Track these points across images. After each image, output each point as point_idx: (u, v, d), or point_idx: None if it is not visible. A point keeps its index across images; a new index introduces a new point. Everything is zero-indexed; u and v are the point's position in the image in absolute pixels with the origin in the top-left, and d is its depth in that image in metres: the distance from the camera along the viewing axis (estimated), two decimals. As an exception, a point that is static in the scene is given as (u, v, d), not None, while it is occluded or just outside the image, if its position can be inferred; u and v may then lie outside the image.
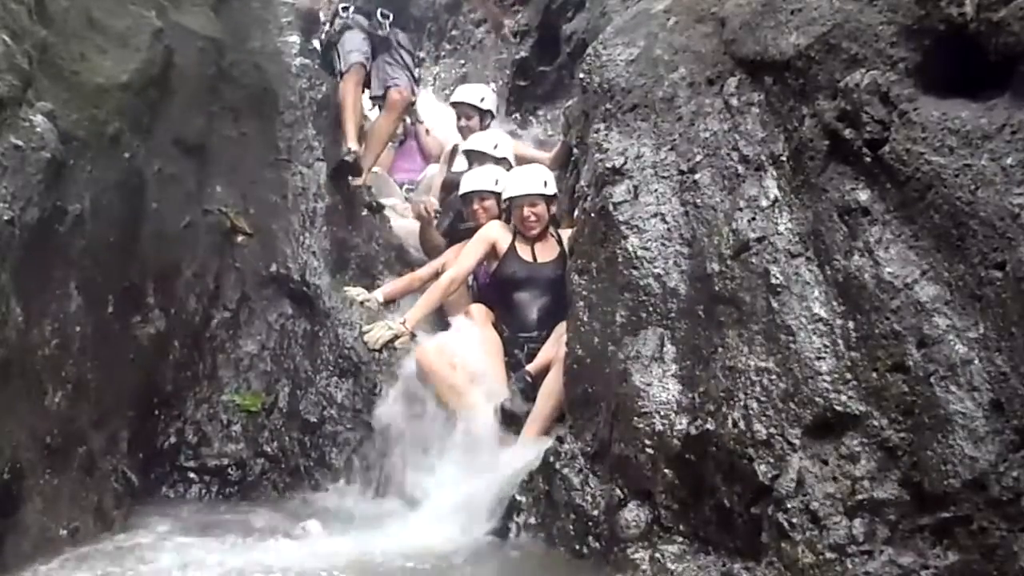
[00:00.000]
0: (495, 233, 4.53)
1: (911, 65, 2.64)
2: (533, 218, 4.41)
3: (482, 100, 5.75)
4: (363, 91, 5.62)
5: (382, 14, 5.57)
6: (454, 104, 5.88)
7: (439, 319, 4.81)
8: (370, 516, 3.82)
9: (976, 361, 2.23)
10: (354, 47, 5.55)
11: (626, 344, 3.21)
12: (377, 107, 5.85)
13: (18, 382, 2.97)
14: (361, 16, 5.59)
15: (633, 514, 2.96)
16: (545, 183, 4.44)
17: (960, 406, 2.22)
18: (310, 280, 4.71)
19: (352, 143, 5.22)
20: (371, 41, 5.55)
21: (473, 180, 4.79)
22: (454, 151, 5.78)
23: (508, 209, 4.55)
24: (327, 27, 5.80)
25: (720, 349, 2.88)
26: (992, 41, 2.37)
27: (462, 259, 4.54)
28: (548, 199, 4.44)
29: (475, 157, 5.09)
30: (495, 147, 5.11)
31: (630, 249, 3.33)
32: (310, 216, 4.90)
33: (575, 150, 4.42)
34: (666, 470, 2.90)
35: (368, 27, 5.54)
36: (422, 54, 7.77)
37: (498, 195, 4.64)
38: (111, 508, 3.48)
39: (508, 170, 4.86)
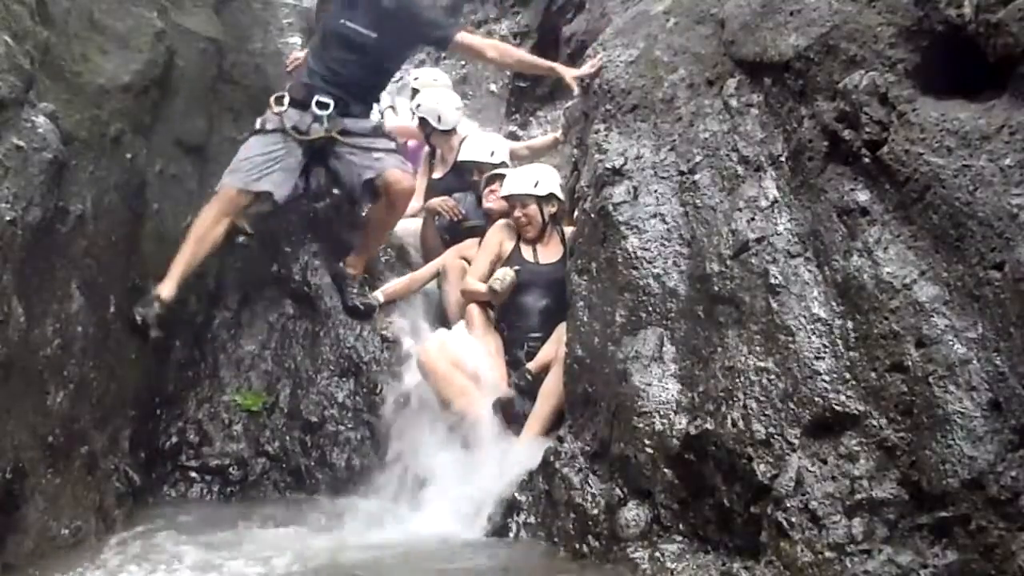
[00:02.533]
0: (501, 235, 4.52)
1: (910, 66, 2.65)
2: (524, 219, 4.40)
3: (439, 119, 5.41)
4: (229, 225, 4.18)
5: (319, 103, 4.22)
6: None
7: (439, 319, 4.82)
8: (371, 515, 3.83)
9: (975, 361, 2.24)
10: (248, 155, 4.18)
11: (626, 344, 3.21)
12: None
13: (20, 382, 2.98)
14: (295, 111, 4.26)
15: (633, 513, 2.97)
16: (536, 184, 4.39)
17: (959, 406, 2.22)
18: (311, 280, 4.73)
19: (168, 287, 3.93)
20: (301, 147, 4.24)
21: (509, 184, 4.56)
22: (432, 155, 5.67)
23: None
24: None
25: (719, 349, 2.89)
26: (990, 42, 2.37)
27: (477, 266, 4.50)
28: (541, 200, 4.39)
29: (472, 167, 5.05)
30: (491, 154, 5.07)
31: (630, 249, 3.34)
32: (311, 216, 4.92)
33: (575, 151, 4.42)
34: (666, 470, 2.90)
35: (298, 125, 4.23)
36: (423, 56, 7.67)
37: (540, 198, 4.45)
38: (113, 507, 3.49)
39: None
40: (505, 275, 4.27)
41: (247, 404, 4.39)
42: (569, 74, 4.17)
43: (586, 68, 4.04)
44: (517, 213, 4.40)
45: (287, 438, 4.38)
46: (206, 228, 4.09)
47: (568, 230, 4.38)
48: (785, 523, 2.46)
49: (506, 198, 4.48)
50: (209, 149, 4.71)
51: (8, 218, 2.85)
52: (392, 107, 6.18)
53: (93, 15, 3.86)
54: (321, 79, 4.32)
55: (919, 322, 2.37)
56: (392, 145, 4.47)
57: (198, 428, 4.30)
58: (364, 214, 4.80)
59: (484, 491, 3.65)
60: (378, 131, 4.49)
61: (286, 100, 4.29)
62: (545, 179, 4.41)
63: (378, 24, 4.30)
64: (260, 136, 4.26)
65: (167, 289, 3.94)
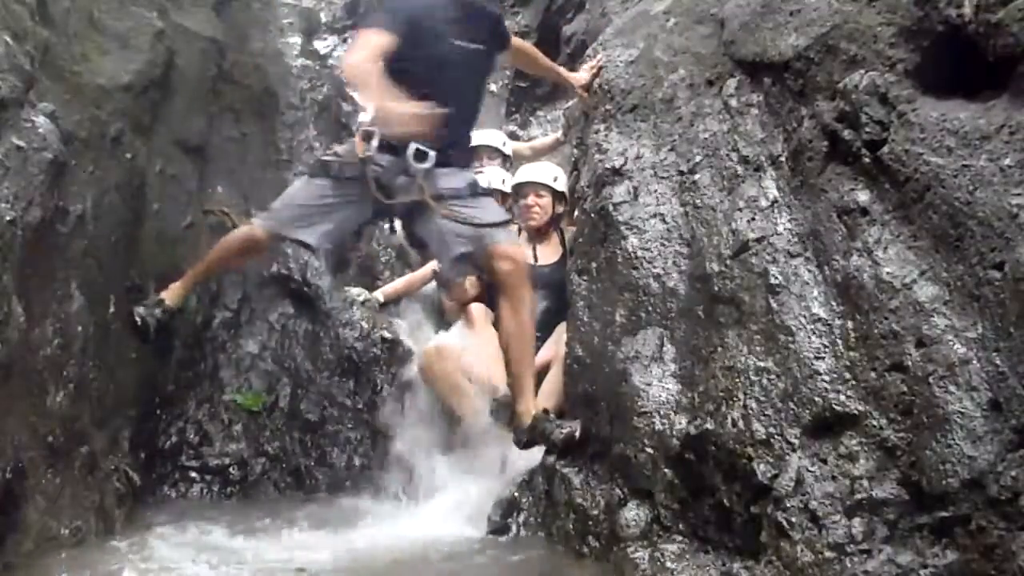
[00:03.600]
0: None
1: (910, 66, 2.65)
2: (537, 208, 4.42)
3: None
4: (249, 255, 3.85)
5: (418, 153, 3.37)
6: None
7: (439, 319, 4.83)
8: (371, 515, 3.83)
9: (975, 361, 2.23)
10: (297, 201, 3.56)
11: (626, 344, 3.21)
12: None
13: (20, 382, 2.97)
14: (385, 157, 3.40)
15: (633, 513, 2.97)
16: (555, 178, 4.47)
17: (959, 406, 2.22)
18: (311, 280, 4.74)
19: (175, 295, 3.74)
20: (377, 204, 3.46)
21: (530, 172, 4.60)
22: None
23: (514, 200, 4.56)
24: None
25: (719, 349, 2.89)
26: (990, 42, 2.37)
27: None
28: (555, 194, 4.45)
29: (484, 152, 5.07)
30: (503, 144, 5.17)
31: (630, 249, 3.34)
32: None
33: (575, 151, 4.43)
34: (666, 470, 2.90)
35: (382, 178, 3.40)
36: None
37: (555, 193, 4.48)
38: (113, 508, 3.49)
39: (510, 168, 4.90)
40: None
41: (247, 404, 4.40)
42: (578, 85, 3.97)
43: (584, 73, 3.97)
44: (531, 201, 4.41)
45: (287, 438, 4.38)
46: (229, 258, 3.77)
47: (568, 230, 4.39)
48: (785, 523, 2.46)
49: (521, 184, 4.49)
50: (209, 149, 4.71)
51: (8, 218, 2.85)
52: None
53: (93, 15, 3.86)
54: None
55: (919, 322, 2.37)
56: (502, 214, 3.65)
57: (198, 428, 4.30)
58: (499, 333, 3.74)
59: (484, 491, 3.65)
60: (476, 189, 3.58)
61: (375, 140, 3.35)
62: (562, 177, 4.49)
63: (477, 33, 3.61)
64: (325, 181, 3.50)
65: (173, 297, 3.74)
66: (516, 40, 4.20)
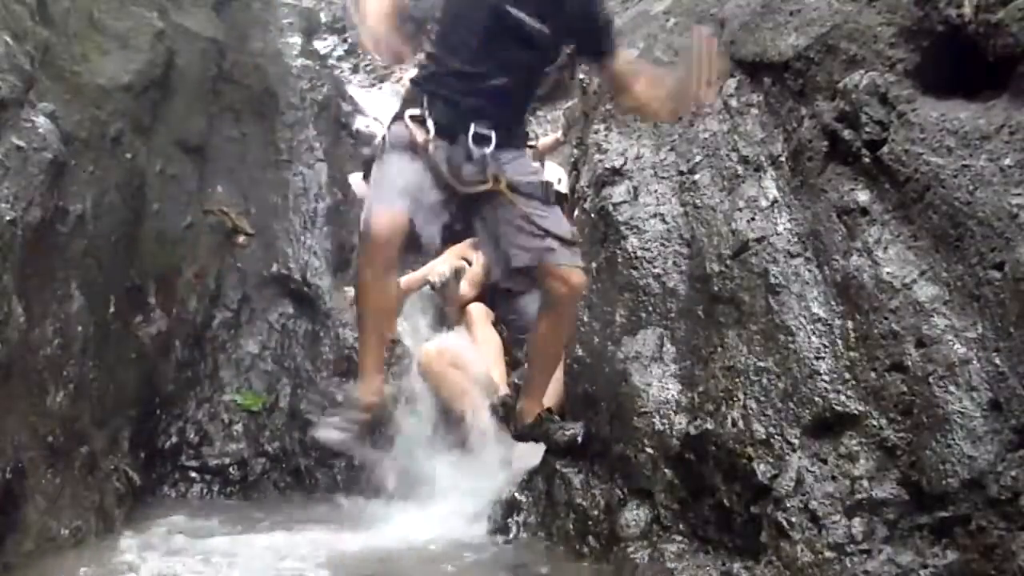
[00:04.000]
0: None
1: (910, 66, 2.65)
2: None
3: None
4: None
5: (476, 136, 2.98)
6: None
7: (440, 320, 4.82)
8: (370, 515, 3.83)
9: (974, 361, 2.23)
10: (396, 175, 2.95)
11: (626, 344, 3.21)
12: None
13: (20, 382, 2.97)
14: (441, 142, 2.99)
15: (633, 513, 2.97)
16: (559, 180, 4.46)
17: (959, 406, 2.22)
18: (311, 280, 4.74)
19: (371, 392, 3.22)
20: (448, 187, 3.00)
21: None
22: None
23: None
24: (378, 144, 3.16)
25: (719, 349, 2.89)
26: (990, 42, 2.38)
27: (475, 268, 4.51)
28: (558, 196, 4.45)
29: None
30: None
31: (630, 249, 3.34)
32: (311, 216, 4.92)
33: (575, 151, 4.43)
34: (666, 470, 2.90)
35: (447, 163, 2.97)
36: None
37: (559, 195, 4.50)
38: (112, 507, 3.49)
39: None
40: (440, 273, 4.29)
41: (247, 404, 4.40)
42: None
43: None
44: None
45: (287, 438, 4.38)
46: (379, 295, 3.06)
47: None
48: (785, 523, 2.46)
49: None
50: (209, 149, 4.72)
51: (8, 218, 2.85)
52: None
53: (93, 15, 3.87)
54: (475, 96, 2.99)
55: (919, 322, 2.37)
56: (569, 230, 3.25)
57: (198, 428, 4.31)
58: (527, 348, 3.65)
59: (484, 491, 3.65)
60: (549, 192, 3.17)
61: (432, 126, 2.97)
62: (564, 178, 4.48)
63: (545, 15, 3.00)
64: (405, 154, 2.99)
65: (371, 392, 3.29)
66: (627, 61, 3.30)
